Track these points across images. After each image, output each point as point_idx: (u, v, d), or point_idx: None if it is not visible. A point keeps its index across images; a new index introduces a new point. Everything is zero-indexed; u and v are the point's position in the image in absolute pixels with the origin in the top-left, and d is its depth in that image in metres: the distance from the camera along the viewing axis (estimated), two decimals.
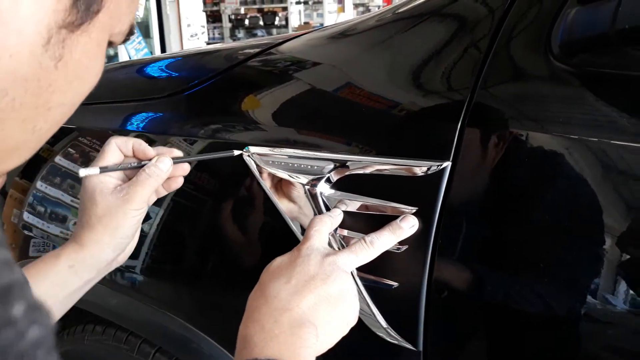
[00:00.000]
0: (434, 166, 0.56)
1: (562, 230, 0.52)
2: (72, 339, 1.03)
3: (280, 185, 0.66)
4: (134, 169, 0.60)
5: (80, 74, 0.33)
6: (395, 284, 0.59)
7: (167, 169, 0.60)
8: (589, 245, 0.51)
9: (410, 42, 0.66)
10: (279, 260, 0.53)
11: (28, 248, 1.11)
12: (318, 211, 0.62)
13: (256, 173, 0.67)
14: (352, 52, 0.71)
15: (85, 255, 0.58)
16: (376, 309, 0.60)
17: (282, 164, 0.65)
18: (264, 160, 0.66)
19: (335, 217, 0.60)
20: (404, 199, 0.58)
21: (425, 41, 0.64)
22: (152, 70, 1.00)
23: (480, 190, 0.56)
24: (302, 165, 0.64)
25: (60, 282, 0.58)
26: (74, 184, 1.01)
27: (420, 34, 0.65)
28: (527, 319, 0.54)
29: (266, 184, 0.66)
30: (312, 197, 0.62)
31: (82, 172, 0.58)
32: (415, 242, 0.57)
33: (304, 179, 0.63)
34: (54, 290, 0.58)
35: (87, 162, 0.97)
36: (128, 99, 0.92)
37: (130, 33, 0.37)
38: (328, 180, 0.62)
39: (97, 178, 0.58)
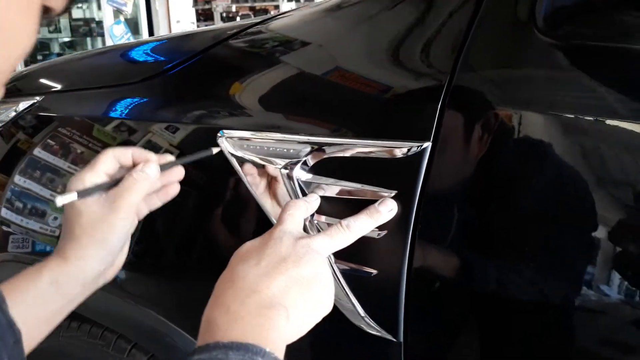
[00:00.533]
0: (414, 147, 0.53)
1: (549, 214, 0.49)
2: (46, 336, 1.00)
3: (264, 175, 0.63)
4: (115, 184, 0.55)
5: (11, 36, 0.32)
6: (373, 271, 0.56)
7: (154, 174, 0.55)
8: (577, 230, 0.48)
9: (390, 20, 0.63)
10: (249, 244, 0.49)
11: (7, 244, 1.07)
12: (294, 197, 0.59)
13: (231, 159, 0.64)
14: (330, 29, 0.68)
15: (69, 269, 0.54)
16: (354, 298, 0.57)
17: (258, 148, 0.62)
18: (239, 145, 0.63)
19: (312, 202, 0.56)
20: (383, 183, 0.55)
21: (405, 18, 0.61)
22: (135, 54, 0.96)
23: (461, 172, 0.53)
24: (278, 149, 0.61)
25: (42, 299, 0.53)
26: (54, 177, 0.97)
27: (400, 11, 0.62)
28: (512, 307, 0.51)
29: (241, 169, 0.63)
30: (288, 181, 0.59)
31: (59, 201, 0.52)
32: (395, 227, 0.54)
33: (280, 163, 0.60)
34: (34, 308, 0.53)
35: (66, 154, 0.93)
36: (107, 84, 0.89)
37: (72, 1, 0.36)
38: (305, 164, 0.59)
39: (82, 186, 0.54)
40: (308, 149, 0.59)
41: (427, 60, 0.57)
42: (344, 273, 0.57)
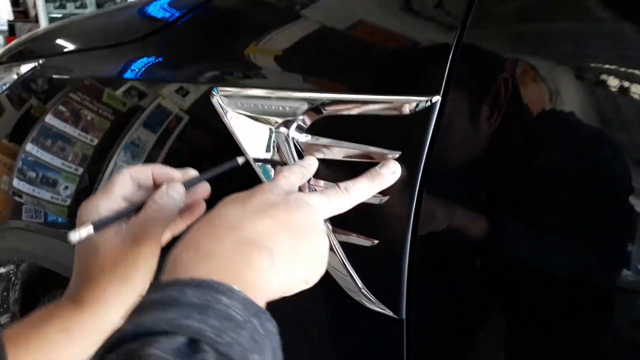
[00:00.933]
0: (423, 102, 0.47)
1: (569, 176, 0.42)
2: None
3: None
4: (136, 210, 0.47)
5: None
6: (374, 241, 0.50)
7: (180, 196, 0.47)
8: (602, 194, 0.42)
9: None
10: (236, 194, 0.43)
11: (20, 214, 1.06)
12: (290, 160, 0.54)
13: (223, 117, 0.59)
14: None
15: (83, 317, 0.46)
16: (353, 270, 0.52)
17: (252, 106, 0.57)
18: (234, 103, 0.58)
19: (308, 166, 0.51)
20: (387, 144, 0.49)
21: None
22: (152, 9, 0.90)
23: (473, 131, 0.47)
24: (274, 107, 0.55)
25: (52, 349, 0.46)
26: (65, 145, 0.94)
27: None
28: (530, 282, 0.45)
29: (235, 130, 0.58)
30: (283, 143, 0.54)
31: (74, 236, 0.43)
32: (398, 192, 0.49)
33: (276, 123, 0.55)
34: (42, 358, 0.46)
35: (77, 121, 0.90)
36: (111, 43, 0.84)
37: None
38: (302, 124, 0.54)
39: (97, 215, 0.46)
40: (305, 106, 0.53)
41: (440, 3, 0.51)
42: (341, 243, 0.52)
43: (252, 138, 0.57)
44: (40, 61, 0.95)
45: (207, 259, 0.34)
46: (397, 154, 0.48)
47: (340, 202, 0.45)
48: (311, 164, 0.52)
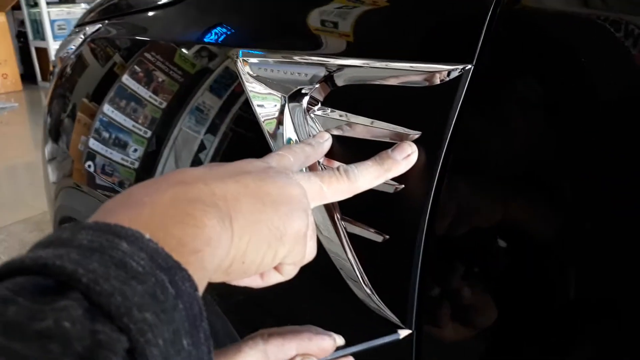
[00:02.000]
0: (454, 70, 0.38)
1: (634, 167, 0.32)
2: None
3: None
4: None
5: None
6: (385, 236, 0.43)
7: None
8: None
9: None
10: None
11: (95, 177, 1.08)
12: (301, 134, 0.47)
13: (243, 84, 0.53)
14: None
15: None
16: (360, 267, 0.44)
17: (273, 71, 0.51)
18: (257, 69, 0.53)
19: (318, 145, 0.44)
20: (407, 122, 0.41)
21: None
22: None
23: (513, 106, 0.37)
24: (291, 73, 0.49)
25: None
26: (137, 107, 0.94)
27: None
28: (565, 296, 0.36)
29: (251, 96, 0.52)
30: (295, 115, 0.47)
31: None
32: (416, 181, 0.40)
33: (289, 90, 0.48)
34: None
35: (149, 82, 0.89)
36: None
37: None
38: (317, 94, 0.47)
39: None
40: (323, 73, 0.46)
41: None
42: (350, 234, 0.45)
43: (268, 108, 0.51)
44: (105, 22, 0.95)
45: (133, 207, 0.28)
46: (416, 134, 0.40)
47: (338, 189, 0.38)
48: (322, 142, 0.45)
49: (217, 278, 0.32)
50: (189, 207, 0.28)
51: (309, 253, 0.37)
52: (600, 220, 0.33)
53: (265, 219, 0.32)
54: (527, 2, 0.37)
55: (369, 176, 0.39)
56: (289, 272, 0.36)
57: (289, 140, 0.50)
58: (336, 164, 0.46)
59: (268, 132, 0.51)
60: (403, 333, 0.41)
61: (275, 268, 0.36)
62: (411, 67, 0.41)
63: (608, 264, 0.33)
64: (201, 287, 0.27)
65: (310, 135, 0.47)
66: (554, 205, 0.36)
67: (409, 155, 0.39)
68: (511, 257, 0.38)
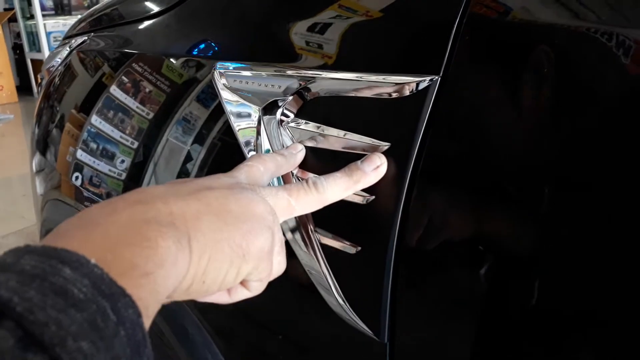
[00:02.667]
0: (422, 82, 0.38)
1: (601, 179, 0.32)
2: None
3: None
4: None
5: None
6: (356, 247, 0.43)
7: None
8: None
9: None
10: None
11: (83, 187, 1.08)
12: (275, 146, 0.47)
13: (220, 95, 0.53)
14: None
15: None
16: (333, 278, 0.44)
17: (249, 83, 0.51)
18: (232, 80, 0.53)
19: (291, 155, 0.44)
20: (376, 133, 0.41)
21: None
22: None
23: (480, 117, 0.37)
24: (265, 85, 0.49)
25: None
26: (124, 117, 0.94)
27: None
28: (538, 307, 0.35)
29: (227, 107, 0.52)
30: (267, 126, 0.47)
31: None
32: (385, 191, 0.40)
33: (263, 102, 0.48)
34: None
35: (137, 92, 0.89)
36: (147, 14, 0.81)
37: None
38: (290, 106, 0.47)
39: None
40: (296, 85, 0.46)
41: None
42: (323, 245, 0.45)
43: (244, 119, 0.51)
44: (91, 35, 0.95)
45: (87, 228, 0.27)
46: (385, 145, 0.40)
47: (306, 201, 0.38)
48: (295, 152, 0.45)
49: (178, 297, 0.31)
50: (143, 228, 0.28)
51: (277, 269, 0.37)
52: (570, 230, 0.33)
53: (226, 237, 0.32)
54: (493, 13, 0.37)
55: (338, 188, 0.39)
56: (256, 288, 0.36)
57: (267, 150, 0.50)
58: (310, 175, 0.46)
59: (243, 143, 0.51)
60: None
61: (242, 284, 0.36)
62: (380, 79, 0.41)
63: (580, 275, 0.33)
64: (154, 309, 0.27)
65: (284, 147, 0.47)
66: (523, 215, 0.36)
67: (378, 167, 0.39)
68: (481, 266, 0.38)
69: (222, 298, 0.37)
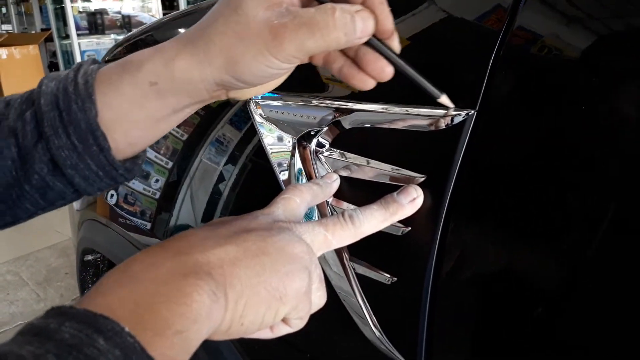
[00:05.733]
0: (458, 115, 0.39)
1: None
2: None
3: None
4: None
5: None
6: (393, 278, 0.43)
7: (361, 33, 0.34)
8: None
9: None
10: (223, 217, 0.38)
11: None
12: (307, 173, 0.48)
13: (256, 125, 0.55)
14: None
15: (173, 72, 0.36)
16: (367, 305, 0.45)
17: (285, 114, 0.52)
18: (265, 109, 0.54)
19: (326, 185, 0.45)
20: (412, 165, 0.42)
21: None
22: None
23: (517, 150, 0.37)
24: (299, 116, 0.50)
25: (139, 100, 0.37)
26: (159, 138, 0.97)
27: None
28: (570, 339, 0.35)
29: (263, 137, 0.54)
30: (303, 156, 0.48)
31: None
32: (421, 222, 0.41)
33: (298, 132, 0.49)
34: (131, 108, 0.37)
35: None
36: None
37: None
38: (325, 136, 0.48)
39: None
40: (331, 116, 0.47)
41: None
42: (358, 275, 0.45)
43: (279, 148, 0.52)
44: None
45: (127, 286, 0.29)
46: (421, 178, 0.41)
47: (342, 235, 0.38)
48: (330, 182, 0.45)
49: (218, 337, 0.33)
50: (181, 283, 0.29)
51: (316, 303, 0.37)
52: (605, 268, 0.33)
53: (263, 281, 0.33)
54: (529, 49, 0.37)
55: (374, 221, 0.39)
56: (297, 324, 0.37)
57: (299, 171, 0.51)
58: (344, 204, 0.47)
59: (278, 171, 0.52)
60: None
61: (283, 321, 0.36)
62: (417, 112, 0.41)
63: (611, 318, 0.33)
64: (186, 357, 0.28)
65: (319, 176, 0.48)
66: (560, 250, 0.35)
67: (414, 199, 0.40)
68: (518, 299, 0.37)
69: (264, 334, 0.37)
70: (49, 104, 0.37)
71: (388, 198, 0.40)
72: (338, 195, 0.46)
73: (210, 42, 0.35)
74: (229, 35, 0.34)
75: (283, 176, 0.51)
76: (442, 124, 0.40)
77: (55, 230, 2.76)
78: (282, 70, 0.36)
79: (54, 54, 6.13)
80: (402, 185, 0.41)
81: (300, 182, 0.52)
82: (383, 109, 0.44)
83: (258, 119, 0.54)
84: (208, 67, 0.35)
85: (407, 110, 0.42)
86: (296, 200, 0.41)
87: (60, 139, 0.36)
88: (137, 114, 0.38)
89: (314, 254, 0.36)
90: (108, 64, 0.40)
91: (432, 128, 0.40)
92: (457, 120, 0.39)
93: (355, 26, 0.33)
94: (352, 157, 0.46)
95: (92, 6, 5.61)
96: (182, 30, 0.83)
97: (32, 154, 0.37)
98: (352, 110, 0.46)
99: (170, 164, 0.92)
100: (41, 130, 0.37)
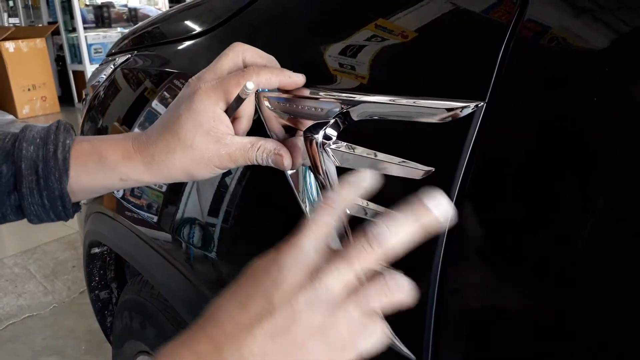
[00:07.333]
0: (467, 108, 0.38)
1: None
2: (132, 288, 1.02)
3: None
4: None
5: None
6: (399, 271, 0.42)
7: (274, 164, 0.49)
8: None
9: None
10: (257, 264, 0.37)
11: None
12: (314, 166, 0.48)
13: (263, 117, 0.54)
14: None
15: (144, 178, 0.50)
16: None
17: (292, 107, 0.52)
18: (276, 104, 0.54)
19: (357, 184, 0.37)
20: (419, 157, 0.41)
21: None
22: None
23: (527, 143, 0.37)
24: (307, 109, 0.50)
25: (106, 186, 0.51)
26: None
27: None
28: (583, 347, 0.35)
29: (270, 130, 0.53)
30: (310, 149, 0.48)
31: (249, 85, 0.45)
32: None
33: (305, 125, 0.49)
34: (95, 187, 0.51)
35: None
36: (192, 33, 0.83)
37: None
38: (333, 128, 0.47)
39: (217, 108, 0.48)
40: (338, 108, 0.47)
41: None
42: None
43: (286, 141, 0.52)
44: (134, 53, 0.98)
45: None
46: (429, 170, 0.40)
47: (368, 260, 0.35)
48: (361, 179, 0.37)
49: None
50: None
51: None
52: (616, 277, 0.32)
53: None
54: (539, 41, 0.37)
55: (403, 235, 0.35)
56: None
57: (306, 169, 0.51)
58: (371, 205, 0.44)
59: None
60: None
61: None
62: (425, 104, 0.41)
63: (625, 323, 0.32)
64: None
65: (326, 169, 0.47)
66: (568, 244, 0.35)
67: (439, 205, 0.34)
68: (529, 296, 0.37)
69: None
70: (29, 169, 0.47)
71: (417, 205, 0.34)
72: None
73: (172, 168, 0.49)
74: (188, 160, 0.48)
75: (290, 170, 0.51)
76: (451, 116, 0.39)
77: (61, 223, 2.78)
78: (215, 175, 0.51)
79: (60, 48, 6.14)
80: (411, 179, 0.41)
81: (307, 174, 0.52)
82: (391, 100, 0.43)
83: (265, 111, 0.53)
84: (169, 178, 0.50)
85: (414, 102, 0.42)
86: (317, 235, 0.36)
87: (34, 197, 0.48)
88: (101, 190, 0.52)
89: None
90: (84, 140, 0.50)
91: (440, 120, 0.40)
92: (465, 112, 0.38)
93: (269, 162, 0.49)
94: (360, 150, 0.45)
95: None
96: (188, 23, 0.83)
97: (3, 200, 0.48)
98: (359, 102, 0.45)
99: None
100: (18, 188, 0.47)
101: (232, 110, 0.48)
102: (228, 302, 0.36)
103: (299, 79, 0.50)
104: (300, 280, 0.35)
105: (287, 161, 0.48)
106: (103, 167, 0.49)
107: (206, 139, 0.47)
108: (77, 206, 0.52)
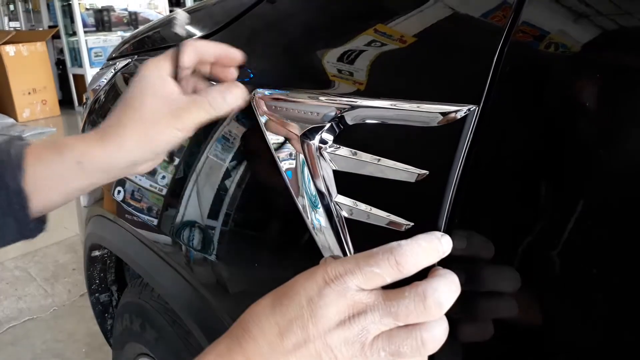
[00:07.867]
0: (460, 111, 0.39)
1: None
2: (132, 291, 1.03)
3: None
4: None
5: None
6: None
7: (238, 104, 0.52)
8: None
9: None
10: (302, 281, 0.37)
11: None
12: (312, 172, 0.48)
13: (260, 121, 0.55)
14: None
15: (100, 154, 0.49)
16: None
17: (288, 110, 0.52)
18: (271, 106, 0.54)
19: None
20: (414, 160, 0.42)
21: None
22: None
23: (521, 146, 0.37)
24: (303, 112, 0.50)
25: (64, 176, 0.49)
26: None
27: None
28: (580, 342, 0.35)
29: (267, 133, 0.54)
30: (306, 153, 0.48)
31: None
32: (424, 219, 0.41)
33: (302, 128, 0.50)
34: (54, 181, 0.49)
35: None
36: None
37: None
38: (329, 132, 0.48)
39: (163, 72, 0.50)
40: (333, 113, 0.47)
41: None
42: None
43: (284, 145, 0.52)
44: (135, 57, 0.99)
45: None
46: (424, 173, 0.41)
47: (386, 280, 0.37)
48: (435, 248, 0.38)
49: None
50: None
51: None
52: (621, 266, 0.33)
53: None
54: (534, 45, 0.38)
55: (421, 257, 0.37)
56: None
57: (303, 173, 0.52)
58: (363, 206, 0.45)
59: (283, 168, 0.52)
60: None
61: None
62: (419, 107, 0.41)
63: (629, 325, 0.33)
64: None
65: (323, 173, 0.48)
66: (566, 243, 0.35)
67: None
68: (527, 295, 0.38)
69: None
70: None
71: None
72: (340, 191, 0.47)
73: (125, 136, 0.48)
74: (140, 124, 0.48)
75: (288, 173, 0.52)
76: (445, 120, 0.40)
77: (63, 226, 2.78)
78: (180, 139, 0.50)
79: (61, 51, 6.16)
80: (405, 182, 0.41)
81: (305, 178, 0.52)
82: (386, 105, 0.44)
83: (262, 115, 0.54)
84: (126, 149, 0.49)
85: (409, 106, 0.42)
86: (340, 270, 0.37)
87: None
88: (59, 186, 0.49)
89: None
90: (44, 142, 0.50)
91: (435, 124, 0.40)
92: (460, 115, 0.39)
93: (224, 102, 0.51)
94: (355, 153, 0.46)
95: (99, 3, 5.64)
96: (189, 28, 0.84)
97: None
98: (354, 107, 0.46)
99: (177, 160, 0.92)
100: None
101: (178, 76, 0.51)
102: (265, 321, 0.36)
103: (236, 54, 0.53)
104: (339, 320, 0.35)
105: (240, 90, 0.52)
106: (58, 151, 0.48)
107: (154, 99, 0.48)
108: (41, 222, 0.51)
